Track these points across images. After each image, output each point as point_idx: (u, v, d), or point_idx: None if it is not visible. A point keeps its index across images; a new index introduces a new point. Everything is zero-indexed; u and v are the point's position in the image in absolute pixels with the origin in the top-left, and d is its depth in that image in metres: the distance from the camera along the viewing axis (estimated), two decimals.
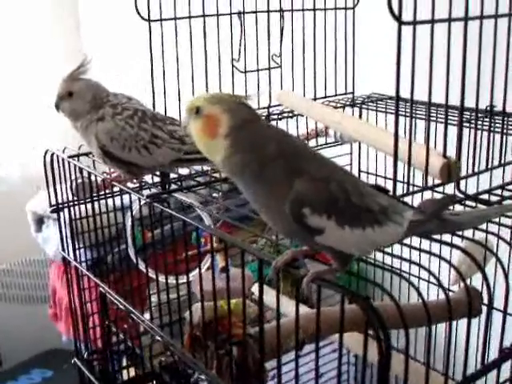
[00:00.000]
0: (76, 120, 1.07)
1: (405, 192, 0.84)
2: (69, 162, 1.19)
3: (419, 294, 0.71)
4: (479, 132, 0.98)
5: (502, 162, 1.00)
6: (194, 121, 0.71)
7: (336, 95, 1.45)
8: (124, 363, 1.36)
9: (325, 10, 1.36)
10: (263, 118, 1.17)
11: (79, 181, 1.19)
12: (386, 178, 1.32)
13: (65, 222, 1.30)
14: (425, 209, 0.74)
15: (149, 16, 1.13)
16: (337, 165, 0.73)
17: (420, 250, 0.79)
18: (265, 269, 0.79)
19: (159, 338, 1.03)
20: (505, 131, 1.02)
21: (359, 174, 1.48)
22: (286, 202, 0.66)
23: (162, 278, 1.13)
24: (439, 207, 0.75)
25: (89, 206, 1.22)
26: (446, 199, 0.78)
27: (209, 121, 0.69)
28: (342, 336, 0.75)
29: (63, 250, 1.35)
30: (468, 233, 0.87)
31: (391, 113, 1.35)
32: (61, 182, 1.25)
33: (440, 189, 0.93)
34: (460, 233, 0.83)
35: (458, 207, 0.94)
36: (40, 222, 2.21)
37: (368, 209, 0.69)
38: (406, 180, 0.83)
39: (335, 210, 0.67)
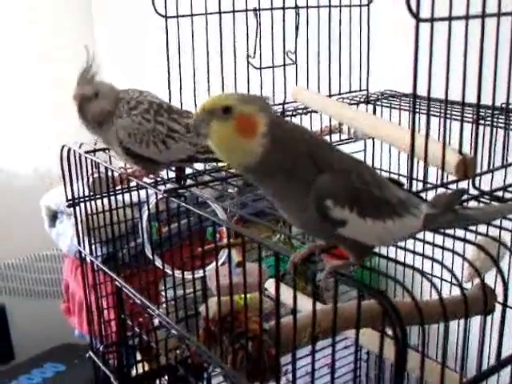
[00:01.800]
0: (100, 121, 1.06)
1: (420, 189, 0.84)
2: (85, 158, 1.20)
3: (436, 289, 0.71)
4: (495, 129, 0.98)
5: None
6: (221, 121, 0.67)
7: (350, 92, 1.45)
8: (138, 357, 1.37)
9: (340, 6, 1.36)
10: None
11: (95, 176, 1.20)
12: (399, 174, 1.32)
13: (81, 217, 1.31)
14: (438, 203, 0.75)
15: (166, 12, 1.13)
16: (355, 158, 0.74)
17: (433, 244, 0.80)
18: (281, 264, 0.79)
19: (175, 332, 1.03)
20: None
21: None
22: (310, 195, 0.67)
23: (177, 273, 1.14)
24: (452, 200, 0.76)
25: (105, 200, 1.23)
26: (458, 192, 0.78)
27: (244, 120, 0.66)
28: (359, 331, 0.75)
29: (79, 244, 1.36)
30: (482, 229, 0.88)
31: (405, 110, 1.35)
32: (77, 177, 1.26)
33: (455, 186, 0.94)
34: (474, 229, 0.83)
35: (473, 204, 0.94)
36: (54, 217, 2.22)
37: (387, 201, 0.69)
38: (420, 177, 0.84)
39: (357, 201, 0.68)
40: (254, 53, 1.28)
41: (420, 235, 0.78)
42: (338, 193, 0.67)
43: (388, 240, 0.72)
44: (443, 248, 0.78)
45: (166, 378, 1.23)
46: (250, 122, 0.66)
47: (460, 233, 0.83)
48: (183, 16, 1.17)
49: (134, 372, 1.35)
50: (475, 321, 0.78)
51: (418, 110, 1.18)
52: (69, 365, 2.66)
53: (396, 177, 1.34)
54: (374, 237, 0.70)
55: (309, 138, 0.70)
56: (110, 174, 1.18)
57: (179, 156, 1.04)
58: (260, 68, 1.31)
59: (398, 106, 1.39)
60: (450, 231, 0.80)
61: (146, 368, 1.36)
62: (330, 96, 1.38)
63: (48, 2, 2.83)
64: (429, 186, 0.88)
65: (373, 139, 1.41)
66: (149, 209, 1.25)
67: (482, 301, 0.78)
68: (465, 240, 0.79)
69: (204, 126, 0.68)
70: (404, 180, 0.97)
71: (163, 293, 1.43)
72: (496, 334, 0.77)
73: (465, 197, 0.88)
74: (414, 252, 0.79)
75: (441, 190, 0.89)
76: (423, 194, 0.84)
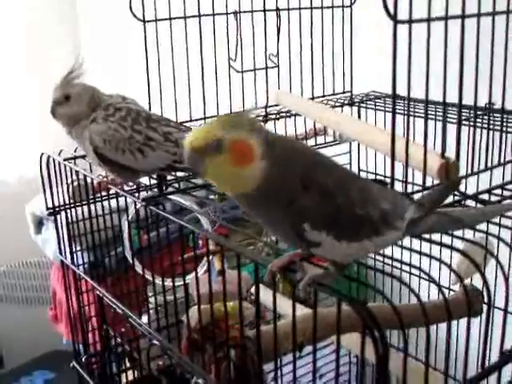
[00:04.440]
0: (73, 125, 1.04)
1: (404, 192, 0.83)
2: (65, 165, 1.18)
3: (417, 297, 0.71)
4: (478, 130, 0.97)
5: (502, 161, 0.99)
6: (214, 157, 0.62)
7: (334, 94, 1.44)
8: (123, 366, 1.35)
9: (322, 8, 1.35)
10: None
11: (75, 183, 1.18)
12: (385, 176, 1.32)
13: (62, 225, 1.30)
14: (426, 201, 0.74)
15: (143, 16, 1.12)
16: (348, 171, 0.74)
17: (420, 253, 0.79)
18: (261, 270, 0.78)
19: (157, 342, 1.02)
20: (504, 129, 1.01)
21: (359, 173, 1.47)
22: (290, 215, 0.65)
23: (158, 281, 1.12)
24: (439, 197, 0.75)
25: (85, 208, 1.21)
26: (445, 189, 0.77)
27: (238, 148, 0.62)
28: (339, 339, 0.75)
29: (60, 253, 1.34)
30: (468, 233, 0.87)
31: (390, 111, 1.34)
32: (57, 185, 1.24)
33: None
34: (460, 234, 0.82)
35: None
36: (39, 223, 2.20)
37: (369, 219, 0.68)
38: (405, 179, 0.82)
39: (335, 225, 0.66)
40: (236, 56, 1.27)
41: (407, 242, 0.78)
42: (317, 217, 0.65)
43: (363, 256, 0.72)
44: (430, 256, 0.77)
45: None
46: (245, 148, 0.63)
47: (446, 238, 0.82)
48: (162, 20, 1.16)
49: (119, 381, 1.34)
50: (465, 323, 0.78)
51: (401, 112, 1.17)
52: (58, 372, 2.64)
53: (381, 179, 1.33)
54: (347, 256, 0.70)
55: (305, 156, 0.68)
56: (89, 181, 1.16)
57: (157, 164, 1.02)
58: (242, 71, 1.29)
59: (382, 108, 1.38)
60: (437, 237, 0.79)
61: (133, 376, 1.34)
62: (313, 98, 1.37)
63: (33, 9, 2.81)
64: (414, 188, 0.87)
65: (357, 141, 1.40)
66: (127, 217, 1.24)
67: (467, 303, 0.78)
68: (451, 247, 0.78)
69: (199, 164, 0.64)
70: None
71: (150, 299, 1.42)
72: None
73: (449, 201, 0.86)
74: (401, 261, 0.78)
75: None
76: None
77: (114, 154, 1.01)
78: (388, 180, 0.80)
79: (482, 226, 0.86)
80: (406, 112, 1.16)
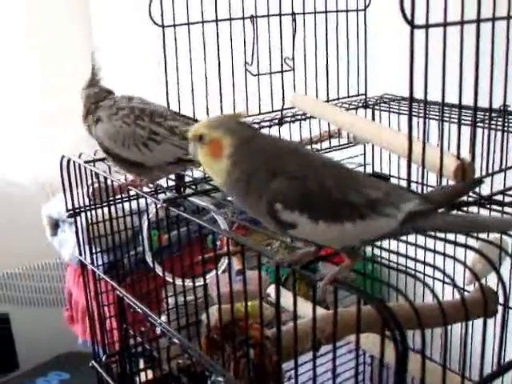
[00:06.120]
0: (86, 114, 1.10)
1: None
2: (85, 168, 1.21)
3: (434, 295, 0.71)
4: (493, 132, 0.98)
5: None
6: (200, 147, 0.76)
7: (349, 97, 1.45)
8: (141, 365, 1.37)
9: (336, 12, 1.36)
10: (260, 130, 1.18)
11: (95, 185, 1.20)
12: (399, 178, 1.33)
13: (81, 227, 1.32)
14: (434, 197, 0.73)
15: (162, 22, 1.14)
16: (331, 162, 0.76)
17: (434, 251, 0.79)
18: (282, 270, 0.80)
19: (176, 341, 1.03)
20: None
21: (373, 175, 1.48)
22: (263, 199, 0.70)
23: (178, 281, 1.14)
24: (451, 194, 0.74)
25: (105, 210, 1.23)
26: (460, 187, 0.78)
27: (213, 145, 0.74)
28: (359, 337, 0.75)
29: (80, 254, 1.36)
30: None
31: (404, 114, 1.35)
32: (77, 187, 1.26)
33: None
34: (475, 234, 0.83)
35: (474, 209, 0.94)
36: (55, 226, 2.22)
37: (351, 203, 0.70)
38: (420, 181, 0.84)
39: (308, 205, 0.70)
40: (252, 60, 1.29)
41: (421, 241, 0.78)
42: (288, 197, 0.70)
43: (353, 241, 0.72)
44: (444, 254, 0.78)
45: None
46: (217, 146, 0.74)
47: (461, 237, 0.82)
48: (180, 25, 1.17)
49: (137, 380, 1.35)
50: (480, 324, 0.78)
51: (416, 114, 1.18)
52: (73, 373, 2.66)
53: (396, 181, 1.34)
54: (330, 239, 0.72)
55: (273, 149, 0.74)
56: (109, 183, 1.18)
57: (165, 158, 1.05)
58: (258, 75, 1.31)
59: (396, 110, 1.39)
60: (451, 235, 0.80)
61: (151, 376, 1.36)
62: (328, 101, 1.39)
63: (47, 14, 2.84)
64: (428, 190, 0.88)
65: (372, 143, 1.41)
66: (148, 218, 1.25)
67: (483, 303, 0.78)
68: (466, 246, 0.78)
69: (195, 151, 0.77)
70: (403, 183, 0.97)
71: (165, 300, 1.43)
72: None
73: (463, 201, 0.87)
74: (415, 259, 0.79)
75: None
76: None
77: (121, 149, 1.05)
78: (403, 182, 0.81)
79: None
80: (418, 114, 1.18)
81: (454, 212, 0.78)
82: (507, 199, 0.96)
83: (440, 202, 0.73)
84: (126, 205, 1.24)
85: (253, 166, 0.72)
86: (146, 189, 1.11)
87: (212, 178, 0.79)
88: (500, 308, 0.82)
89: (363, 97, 1.46)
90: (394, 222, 0.71)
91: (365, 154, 1.51)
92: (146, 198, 1.12)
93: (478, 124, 0.95)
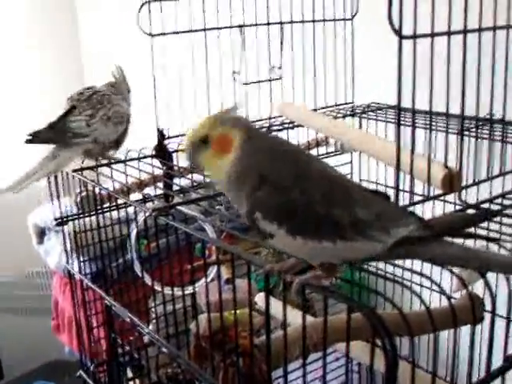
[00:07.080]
0: None
1: (408, 203, 0.85)
2: (73, 176, 1.20)
3: (422, 302, 0.72)
4: (479, 140, 0.99)
5: (503, 170, 1.01)
6: (203, 151, 0.73)
7: (336, 105, 1.46)
8: (130, 375, 1.36)
9: (324, 21, 1.37)
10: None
11: (83, 194, 1.20)
12: (386, 186, 1.33)
13: (69, 235, 1.31)
14: (437, 223, 0.70)
15: (151, 31, 1.14)
16: (327, 172, 0.73)
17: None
18: (271, 278, 0.80)
19: (165, 350, 1.03)
20: (505, 139, 1.03)
21: (359, 183, 1.49)
22: (248, 204, 0.70)
23: (167, 290, 1.14)
24: (455, 224, 0.71)
25: (93, 218, 1.23)
26: (467, 217, 0.75)
27: (221, 141, 0.72)
28: (349, 346, 0.76)
29: (67, 262, 1.35)
30: (470, 241, 0.88)
31: (391, 122, 1.36)
32: (65, 196, 1.26)
33: (441, 199, 0.94)
34: (460, 241, 0.83)
35: None
36: (42, 234, 2.21)
37: (333, 221, 0.67)
38: (407, 189, 0.84)
39: (288, 218, 0.68)
40: (240, 68, 1.29)
41: None
42: (268, 207, 0.68)
43: (332, 260, 0.71)
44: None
45: None
46: (226, 140, 0.72)
47: None
48: (169, 34, 1.18)
49: None
50: (466, 331, 0.79)
51: (403, 122, 1.19)
52: (59, 382, 2.63)
53: (383, 189, 1.35)
54: (306, 254, 0.71)
55: (272, 150, 0.72)
56: (97, 191, 1.18)
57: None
58: (246, 84, 1.31)
59: (383, 119, 1.40)
60: None
61: None
62: (316, 109, 1.39)
63: (35, 21, 2.84)
64: (415, 198, 0.88)
65: (359, 152, 1.42)
66: (137, 226, 1.25)
67: (470, 310, 0.79)
68: None
69: (196, 158, 0.75)
70: (390, 191, 0.97)
71: (154, 309, 1.43)
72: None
73: (450, 210, 0.88)
74: (402, 267, 0.79)
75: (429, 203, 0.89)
76: (410, 208, 0.84)
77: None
78: (390, 190, 0.81)
79: (483, 232, 0.87)
80: (405, 122, 1.18)
81: (457, 241, 0.72)
82: (493, 207, 0.97)
83: (441, 230, 0.69)
84: (114, 213, 1.24)
85: (250, 163, 0.70)
86: (133, 197, 1.11)
87: (202, 186, 0.79)
88: (488, 315, 0.82)
89: (351, 105, 1.47)
90: (381, 246, 0.67)
91: (352, 162, 1.52)
92: (134, 207, 1.12)
93: (465, 132, 0.96)
